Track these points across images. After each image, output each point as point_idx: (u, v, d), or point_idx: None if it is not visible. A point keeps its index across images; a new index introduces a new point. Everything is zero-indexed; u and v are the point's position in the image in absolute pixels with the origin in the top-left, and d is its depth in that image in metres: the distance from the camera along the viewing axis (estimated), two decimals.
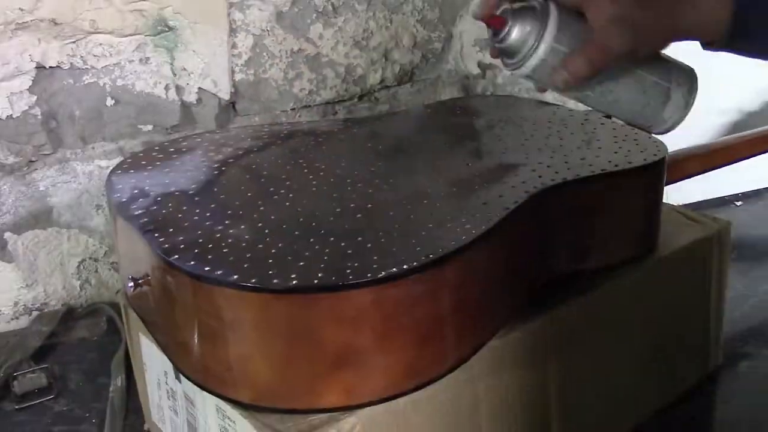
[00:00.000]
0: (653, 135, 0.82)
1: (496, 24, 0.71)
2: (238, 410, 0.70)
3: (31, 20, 1.13)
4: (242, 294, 0.65)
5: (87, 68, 1.18)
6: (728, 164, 1.23)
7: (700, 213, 1.01)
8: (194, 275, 0.66)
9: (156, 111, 1.25)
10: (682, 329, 0.98)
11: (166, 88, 1.24)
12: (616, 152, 0.89)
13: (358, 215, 0.75)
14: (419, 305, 0.67)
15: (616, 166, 0.85)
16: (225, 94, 1.28)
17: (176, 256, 0.68)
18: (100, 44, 1.18)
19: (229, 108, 1.30)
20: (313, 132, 0.97)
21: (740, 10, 0.70)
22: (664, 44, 0.73)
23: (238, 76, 1.29)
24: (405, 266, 0.65)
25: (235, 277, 0.65)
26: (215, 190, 0.81)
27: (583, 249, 0.86)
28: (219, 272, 0.65)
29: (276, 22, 1.29)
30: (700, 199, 1.51)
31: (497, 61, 1.45)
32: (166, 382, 0.84)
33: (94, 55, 1.18)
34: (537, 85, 0.81)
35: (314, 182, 0.82)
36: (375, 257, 0.67)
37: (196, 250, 0.69)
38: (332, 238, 0.70)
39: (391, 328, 0.67)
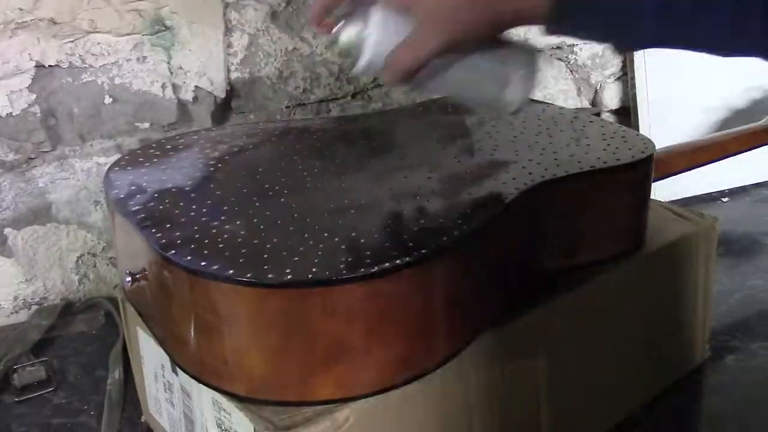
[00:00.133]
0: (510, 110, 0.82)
1: (323, 29, 0.72)
2: (234, 403, 0.70)
3: (31, 20, 1.13)
4: (238, 288, 0.65)
5: (85, 67, 1.19)
6: (715, 161, 1.23)
7: (687, 209, 1.02)
8: (191, 270, 0.67)
9: (153, 109, 1.25)
10: (670, 323, 0.98)
11: (163, 86, 1.24)
12: (604, 149, 0.89)
13: (352, 211, 0.75)
14: (411, 300, 0.68)
15: (604, 163, 0.86)
16: (221, 93, 1.29)
17: (173, 252, 0.69)
18: (99, 43, 1.18)
19: (225, 106, 1.31)
20: (307, 130, 0.97)
21: None
22: (491, 31, 0.71)
23: (233, 75, 1.30)
24: (397, 261, 0.66)
25: (231, 271, 0.65)
26: (211, 186, 0.82)
27: (572, 245, 0.87)
28: (215, 267, 0.66)
29: (271, 22, 1.29)
30: (688, 196, 1.51)
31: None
32: (163, 375, 0.85)
33: (93, 54, 1.18)
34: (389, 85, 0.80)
35: (308, 179, 0.83)
36: (368, 252, 0.67)
37: (192, 246, 0.69)
38: (326, 234, 0.71)
39: (383, 322, 0.67)
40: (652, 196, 0.94)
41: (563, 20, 0.66)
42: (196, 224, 0.73)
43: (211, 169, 0.86)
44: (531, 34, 1.50)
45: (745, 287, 1.20)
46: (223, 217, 0.74)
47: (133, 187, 0.82)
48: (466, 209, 0.75)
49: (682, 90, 1.55)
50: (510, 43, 0.74)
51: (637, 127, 1.53)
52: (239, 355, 0.68)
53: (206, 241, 0.70)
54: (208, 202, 0.78)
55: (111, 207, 0.83)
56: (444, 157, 0.88)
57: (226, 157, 0.89)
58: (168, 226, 0.73)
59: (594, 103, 1.64)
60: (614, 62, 1.61)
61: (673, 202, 1.24)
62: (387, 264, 0.66)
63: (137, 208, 0.77)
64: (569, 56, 1.58)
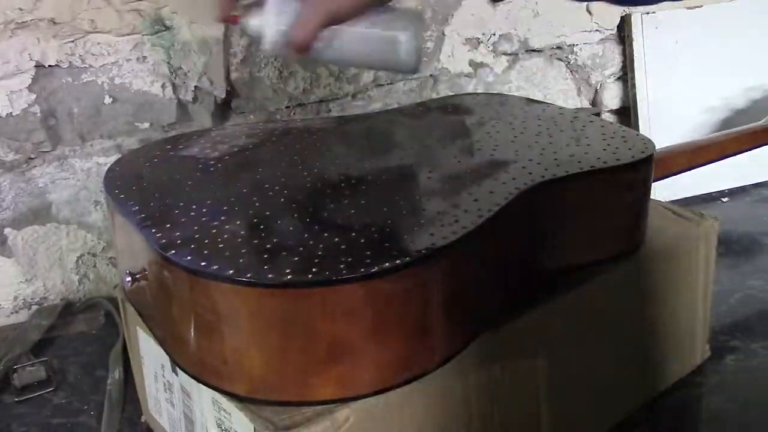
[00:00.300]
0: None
1: (231, 22, 0.81)
2: (234, 402, 0.70)
3: (31, 20, 1.13)
4: (238, 288, 0.65)
5: (85, 67, 1.19)
6: (715, 161, 1.23)
7: (687, 209, 1.01)
8: (191, 270, 0.67)
9: (153, 109, 1.25)
10: (670, 323, 0.98)
11: (163, 86, 1.25)
12: (604, 149, 0.89)
13: (352, 211, 0.75)
14: (411, 300, 0.68)
15: (604, 163, 0.86)
16: (221, 93, 1.29)
17: (173, 251, 0.69)
18: (99, 43, 1.18)
19: (225, 106, 1.31)
20: (307, 129, 0.97)
21: None
22: (368, 3, 0.78)
23: (233, 75, 1.30)
24: (397, 261, 0.66)
25: (231, 271, 0.65)
26: (211, 186, 0.82)
27: (571, 244, 0.86)
28: (215, 267, 0.66)
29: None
30: (688, 196, 1.52)
31: (489, 60, 1.47)
32: (163, 375, 0.85)
33: (93, 54, 1.19)
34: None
35: (308, 179, 0.83)
36: (368, 252, 0.67)
37: (192, 246, 0.69)
38: (326, 234, 0.70)
39: (383, 322, 0.67)
40: (652, 196, 0.94)
41: None
42: (196, 224, 0.73)
43: (211, 169, 0.86)
44: (530, 34, 1.51)
45: (745, 287, 1.20)
46: (222, 217, 0.74)
47: (133, 187, 0.82)
48: (466, 209, 0.75)
49: (682, 90, 1.55)
50: (393, 9, 0.81)
51: (637, 127, 1.53)
52: (239, 355, 0.68)
53: (206, 240, 0.70)
54: (208, 202, 0.78)
55: (111, 207, 0.83)
56: (444, 157, 0.88)
57: (226, 157, 0.89)
58: (168, 226, 0.73)
59: (594, 103, 1.64)
60: (614, 62, 1.61)
61: (673, 202, 1.23)
62: (387, 264, 0.66)
63: (137, 208, 0.77)
64: (569, 56, 1.58)
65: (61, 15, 1.15)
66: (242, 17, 0.80)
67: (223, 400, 0.72)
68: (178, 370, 0.78)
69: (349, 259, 0.66)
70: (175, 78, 1.25)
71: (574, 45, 1.57)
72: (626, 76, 1.61)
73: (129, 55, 1.21)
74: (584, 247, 0.88)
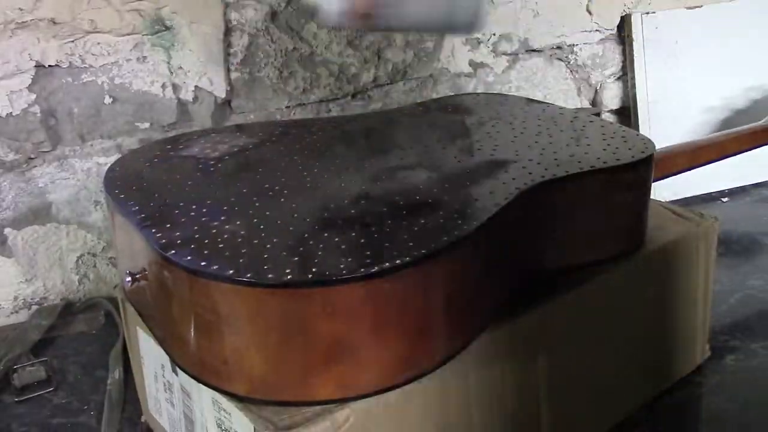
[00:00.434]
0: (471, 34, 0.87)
1: None
2: (234, 402, 0.70)
3: (31, 20, 1.13)
4: (238, 288, 0.65)
5: (85, 67, 1.19)
6: (715, 161, 1.23)
7: (687, 209, 1.01)
8: (191, 270, 0.67)
9: (153, 109, 1.25)
10: (670, 323, 0.98)
11: (163, 86, 1.25)
12: (604, 149, 0.89)
13: (351, 211, 0.75)
14: (411, 300, 0.68)
15: (604, 163, 0.86)
16: (221, 93, 1.29)
17: (173, 252, 0.69)
18: (99, 43, 1.18)
19: (225, 106, 1.31)
20: (307, 130, 0.97)
21: None
22: None
23: (233, 75, 1.30)
24: (397, 261, 0.66)
25: (231, 271, 0.65)
26: (211, 186, 0.82)
27: (572, 244, 0.86)
28: (215, 267, 0.66)
29: (271, 22, 1.29)
30: (688, 196, 1.52)
31: (489, 60, 1.47)
32: (163, 375, 0.85)
33: (93, 54, 1.19)
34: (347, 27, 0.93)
35: (308, 179, 0.83)
36: (368, 252, 0.67)
37: (192, 246, 0.69)
38: (326, 234, 0.70)
39: (383, 322, 0.67)
40: (652, 196, 0.93)
41: None
42: (196, 224, 0.73)
43: (211, 169, 0.86)
44: (530, 34, 1.51)
45: (745, 287, 1.20)
46: (223, 217, 0.74)
47: (133, 187, 0.82)
48: (466, 209, 0.75)
49: (682, 90, 1.55)
50: None
51: (637, 127, 1.53)
52: (239, 355, 0.68)
53: (206, 241, 0.70)
54: (208, 202, 0.78)
55: (111, 207, 0.83)
56: (444, 157, 0.88)
57: (226, 157, 0.89)
58: (168, 226, 0.73)
59: (594, 103, 1.64)
60: (614, 62, 1.61)
61: (673, 202, 1.24)
62: (387, 264, 0.66)
63: (137, 208, 0.77)
64: (569, 56, 1.58)
65: (61, 15, 1.15)
66: None
67: (223, 400, 0.72)
68: (178, 370, 0.78)
69: (349, 259, 0.66)
70: (175, 78, 1.25)
71: (574, 45, 1.57)
72: (626, 76, 1.61)
73: (129, 55, 1.21)
74: (584, 247, 0.88)
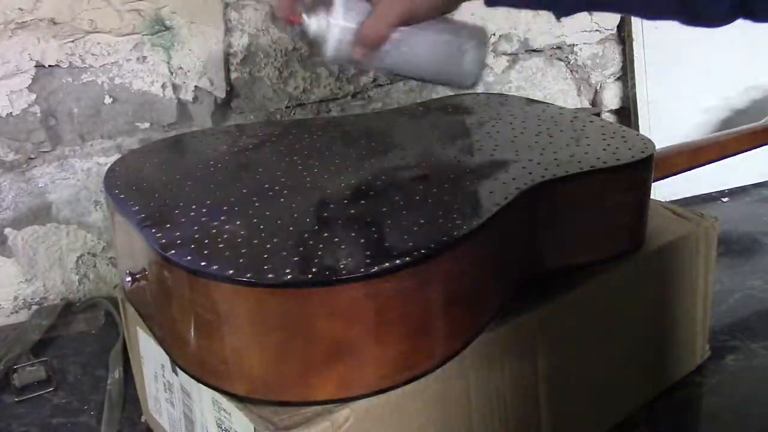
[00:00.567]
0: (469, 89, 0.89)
1: (294, 21, 0.80)
2: (234, 402, 0.70)
3: (31, 20, 1.13)
4: (237, 288, 0.65)
5: (85, 67, 1.19)
6: (715, 161, 1.23)
7: (687, 209, 1.01)
8: (191, 270, 0.67)
9: (153, 109, 1.25)
10: (670, 323, 0.98)
11: (163, 86, 1.25)
12: (604, 149, 0.89)
13: (351, 211, 0.75)
14: (411, 299, 0.68)
15: (604, 163, 0.86)
16: (221, 93, 1.29)
17: (173, 252, 0.69)
18: (99, 43, 1.18)
19: (225, 106, 1.31)
20: (307, 130, 0.97)
21: None
22: (442, 7, 0.79)
23: (233, 75, 1.30)
24: (397, 261, 0.66)
25: (231, 272, 0.65)
26: (211, 186, 0.82)
27: (571, 244, 0.87)
28: (215, 267, 0.66)
29: (271, 22, 1.29)
30: (688, 196, 1.52)
31: (489, 60, 1.47)
32: (163, 375, 0.85)
33: (93, 54, 1.19)
34: (351, 66, 0.96)
35: (308, 179, 0.83)
36: (368, 252, 0.67)
37: (192, 246, 0.69)
38: (326, 234, 0.71)
39: (383, 322, 0.67)
40: (652, 196, 0.94)
41: None
42: (196, 224, 0.73)
43: (211, 169, 0.86)
44: (530, 34, 1.51)
45: (745, 287, 1.20)
46: (223, 217, 0.74)
47: (133, 187, 0.82)
48: (466, 209, 0.75)
49: (682, 90, 1.55)
50: (458, 22, 0.83)
51: (637, 127, 1.53)
52: (239, 354, 0.68)
53: (206, 241, 0.70)
54: (208, 202, 0.78)
55: (111, 207, 0.83)
56: (444, 157, 0.88)
57: (226, 157, 0.89)
58: (168, 226, 0.73)
59: (594, 103, 1.64)
60: (614, 62, 1.61)
61: (673, 202, 1.24)
62: (387, 264, 0.66)
63: (137, 208, 0.77)
64: (569, 56, 1.58)
65: (61, 15, 1.15)
66: (304, 18, 0.79)
67: (223, 400, 0.72)
68: (178, 370, 0.78)
69: (349, 259, 0.66)
70: (175, 78, 1.25)
71: (574, 45, 1.57)
72: (626, 76, 1.61)
73: (129, 55, 1.21)
74: (584, 247, 0.88)
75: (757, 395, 0.98)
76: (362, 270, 0.65)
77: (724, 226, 1.02)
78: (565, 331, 0.86)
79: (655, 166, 0.92)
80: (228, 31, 1.27)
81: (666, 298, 0.97)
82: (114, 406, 1.01)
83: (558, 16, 0.78)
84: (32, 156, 1.20)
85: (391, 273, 0.66)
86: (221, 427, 0.74)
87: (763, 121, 1.28)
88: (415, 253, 0.67)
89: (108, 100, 1.22)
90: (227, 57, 1.28)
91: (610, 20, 1.56)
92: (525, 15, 1.50)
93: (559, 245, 0.86)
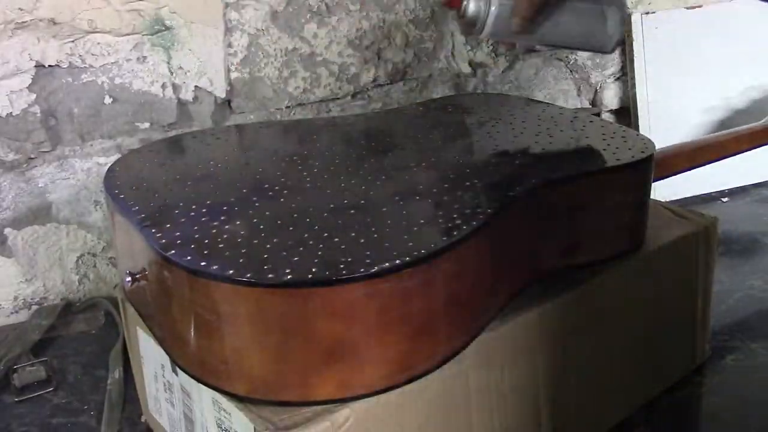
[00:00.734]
0: (605, 53, 0.97)
1: (455, 4, 0.85)
2: (234, 402, 0.70)
3: (31, 20, 1.13)
4: (238, 288, 0.65)
5: (85, 67, 1.19)
6: (715, 161, 1.23)
7: (687, 209, 1.01)
8: (191, 270, 0.67)
9: (153, 109, 1.25)
10: (670, 323, 0.98)
11: (163, 86, 1.25)
12: (604, 149, 0.89)
13: (351, 211, 0.75)
14: (411, 299, 0.68)
15: (604, 163, 0.86)
16: (221, 93, 1.29)
17: (173, 251, 0.69)
18: (98, 43, 1.18)
19: (225, 106, 1.31)
20: (307, 129, 0.97)
21: None
22: None
23: (233, 75, 1.30)
24: (397, 261, 0.66)
25: (231, 271, 0.65)
26: (211, 186, 0.82)
27: (572, 244, 0.86)
28: (215, 267, 0.66)
29: (271, 22, 1.29)
30: (688, 196, 1.52)
31: (489, 60, 1.47)
32: (163, 375, 0.85)
33: (93, 54, 1.19)
34: (502, 40, 1.00)
35: (308, 179, 0.83)
36: (368, 252, 0.67)
37: (192, 246, 0.69)
38: (326, 234, 0.71)
39: (383, 322, 0.67)
40: (652, 196, 0.93)
41: None
42: (196, 224, 0.73)
43: (211, 169, 0.86)
44: None
45: (745, 287, 1.20)
46: (223, 217, 0.74)
47: (133, 187, 0.82)
48: (466, 209, 0.75)
49: (682, 90, 1.55)
50: None
51: (637, 127, 1.53)
52: (239, 354, 0.68)
53: (206, 241, 0.70)
54: (208, 202, 0.78)
55: (111, 207, 0.83)
56: (444, 157, 0.88)
57: (226, 157, 0.89)
58: (168, 226, 0.73)
59: (594, 103, 1.64)
60: (614, 62, 1.61)
61: (673, 202, 1.24)
62: (387, 264, 0.66)
63: (137, 208, 0.77)
64: (569, 56, 1.58)
65: (61, 15, 1.15)
66: (464, 1, 0.85)
67: (223, 400, 0.72)
68: (178, 370, 0.78)
69: (349, 259, 0.66)
70: (175, 78, 1.25)
71: None
72: (626, 76, 1.61)
73: (129, 55, 1.21)
74: (584, 247, 0.88)
75: (757, 395, 0.98)
76: (362, 270, 0.65)
77: (724, 226, 1.02)
78: (565, 330, 0.85)
79: (655, 166, 0.91)
80: (228, 31, 1.27)
81: (666, 298, 0.96)
82: (114, 406, 1.01)
83: None
84: (32, 156, 1.20)
85: (391, 273, 0.66)
86: (221, 427, 0.74)
87: (762, 121, 1.28)
88: (415, 253, 0.67)
89: (108, 100, 1.22)
90: (227, 57, 1.28)
91: None
92: None
93: (559, 245, 0.86)
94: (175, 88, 1.25)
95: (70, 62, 1.18)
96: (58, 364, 1.11)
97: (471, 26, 0.87)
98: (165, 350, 0.77)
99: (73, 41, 1.17)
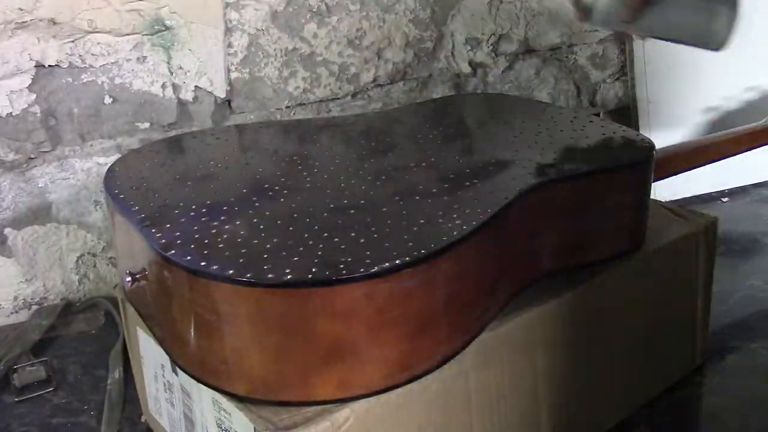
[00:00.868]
0: (708, 49, 0.95)
1: None
2: (234, 402, 0.70)
3: (31, 20, 1.13)
4: (238, 288, 0.65)
5: (85, 67, 1.19)
6: (715, 161, 1.23)
7: (687, 209, 1.01)
8: (191, 270, 0.67)
9: (153, 109, 1.25)
10: (670, 323, 0.98)
11: (163, 86, 1.25)
12: (604, 149, 0.89)
13: (351, 211, 0.75)
14: (411, 299, 0.68)
15: (604, 163, 0.86)
16: (221, 93, 1.29)
17: (173, 251, 0.69)
18: (98, 43, 1.18)
19: (225, 106, 1.31)
20: (307, 129, 0.97)
21: None
22: None
23: (233, 75, 1.30)
24: (397, 261, 0.66)
25: (231, 271, 0.65)
26: (211, 186, 0.82)
27: (571, 244, 0.86)
28: (215, 267, 0.66)
29: (271, 22, 1.29)
30: (688, 196, 1.51)
31: (489, 60, 1.47)
32: (163, 375, 0.85)
33: (93, 54, 1.19)
34: (612, 29, 1.06)
35: (308, 179, 0.83)
36: (368, 252, 0.67)
37: (192, 246, 0.69)
38: (326, 234, 0.70)
39: (383, 322, 0.67)
40: (652, 196, 0.93)
41: None
42: (196, 224, 0.73)
43: (212, 169, 0.86)
44: (530, 34, 1.51)
45: (745, 287, 1.20)
46: (222, 217, 0.74)
47: (133, 187, 0.82)
48: (466, 209, 0.75)
49: (682, 90, 1.55)
50: None
51: (637, 127, 1.53)
52: (239, 354, 0.68)
53: (206, 241, 0.70)
54: (208, 202, 0.78)
55: (111, 207, 0.83)
56: (444, 157, 0.88)
57: (226, 157, 0.89)
58: (168, 226, 0.73)
59: (594, 103, 1.64)
60: (614, 62, 1.61)
61: (673, 202, 1.24)
62: (387, 264, 0.66)
63: (137, 208, 0.77)
64: (569, 56, 1.58)
65: (61, 15, 1.15)
66: None
67: (223, 400, 0.72)
68: (178, 370, 0.78)
69: (349, 259, 0.66)
70: (175, 78, 1.25)
71: (573, 45, 1.57)
72: (626, 76, 1.61)
73: (129, 55, 1.21)
74: (584, 247, 0.88)
75: (757, 395, 0.98)
76: (362, 270, 0.65)
77: (724, 226, 1.02)
78: (564, 330, 0.85)
79: (655, 166, 0.91)
80: (228, 31, 1.27)
81: (666, 298, 0.96)
82: (114, 406, 1.01)
83: None
84: (32, 156, 1.20)
85: (391, 273, 0.66)
86: (221, 427, 0.74)
87: (762, 121, 1.28)
88: (415, 253, 0.67)
89: (108, 100, 1.22)
90: (227, 57, 1.28)
91: None
92: (525, 15, 1.50)
93: (558, 245, 0.85)
94: (175, 88, 1.25)
95: (70, 62, 1.18)
96: (58, 364, 1.11)
97: (586, 14, 0.88)
98: (165, 350, 0.77)
99: (73, 41, 1.17)
